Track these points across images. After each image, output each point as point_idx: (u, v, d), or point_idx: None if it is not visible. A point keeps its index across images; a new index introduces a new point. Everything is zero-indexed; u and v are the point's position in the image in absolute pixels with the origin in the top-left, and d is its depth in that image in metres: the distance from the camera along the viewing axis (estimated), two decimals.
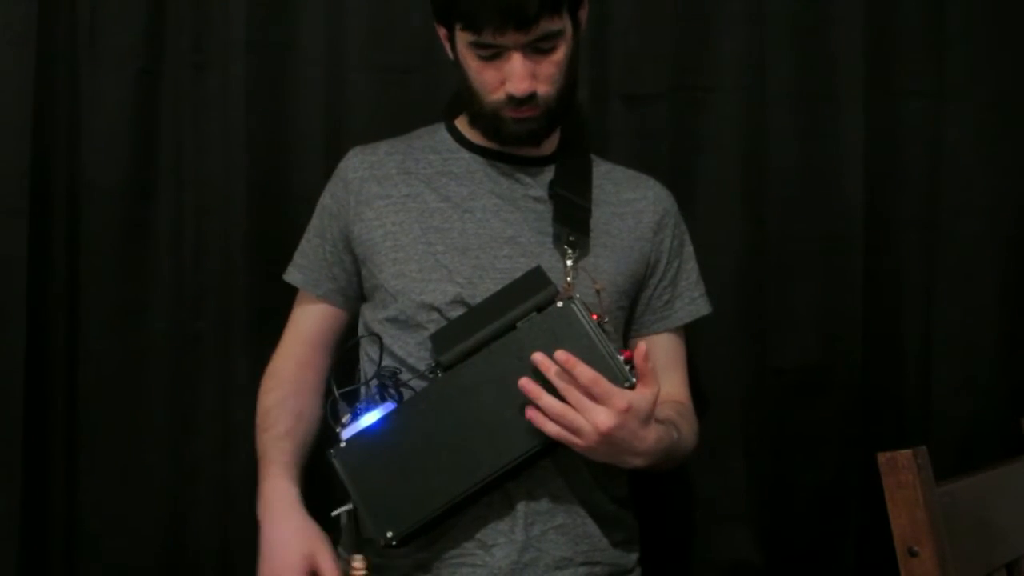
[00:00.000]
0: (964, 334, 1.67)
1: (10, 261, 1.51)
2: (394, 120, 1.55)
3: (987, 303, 1.67)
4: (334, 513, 1.27)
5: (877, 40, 1.63)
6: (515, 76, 1.25)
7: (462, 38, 1.27)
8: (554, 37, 1.26)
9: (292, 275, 1.42)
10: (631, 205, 1.40)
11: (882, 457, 1.02)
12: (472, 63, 1.28)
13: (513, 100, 1.27)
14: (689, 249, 1.44)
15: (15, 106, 1.52)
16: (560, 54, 1.28)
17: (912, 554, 0.99)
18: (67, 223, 1.56)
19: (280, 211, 1.57)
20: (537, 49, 1.25)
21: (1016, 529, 1.18)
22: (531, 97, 1.27)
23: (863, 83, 1.62)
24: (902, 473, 1.00)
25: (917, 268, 1.67)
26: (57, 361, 1.56)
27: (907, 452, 1.01)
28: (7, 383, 1.51)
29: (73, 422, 1.57)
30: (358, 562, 1.25)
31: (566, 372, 1.15)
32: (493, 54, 1.26)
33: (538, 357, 1.16)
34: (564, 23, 1.27)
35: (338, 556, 1.30)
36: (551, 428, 1.16)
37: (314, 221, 1.42)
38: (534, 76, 1.26)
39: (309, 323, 1.42)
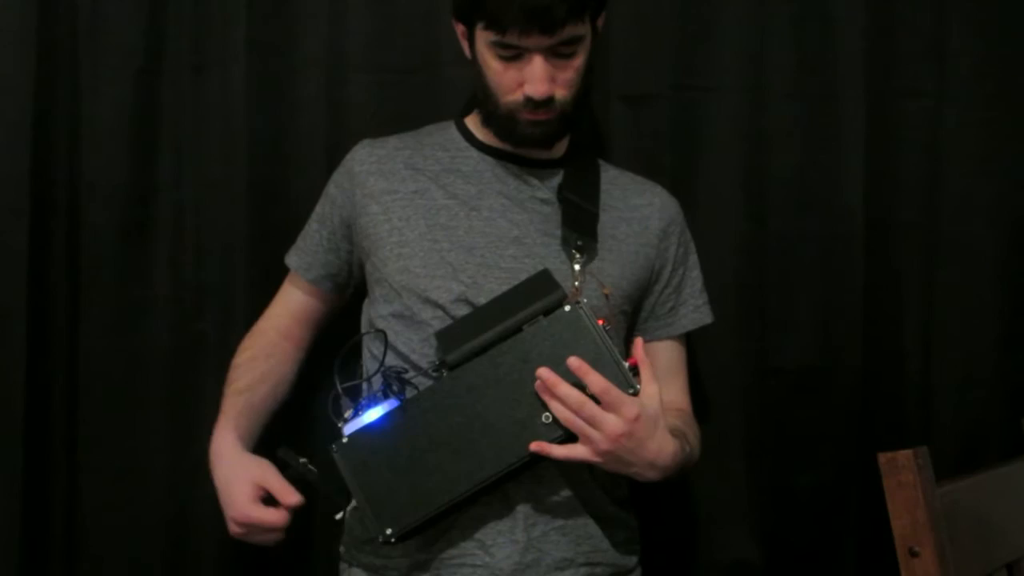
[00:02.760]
0: (964, 334, 1.66)
1: (11, 261, 1.51)
2: (394, 120, 1.54)
3: (987, 303, 1.67)
4: (337, 516, 1.28)
5: (877, 40, 1.63)
6: (535, 79, 1.25)
7: (483, 37, 1.27)
8: (576, 42, 1.26)
9: (290, 257, 1.45)
10: (637, 211, 1.40)
11: (882, 457, 1.02)
12: (491, 63, 1.28)
13: (530, 102, 1.27)
14: (694, 257, 1.44)
15: (15, 106, 1.52)
16: (580, 59, 1.28)
17: (912, 554, 0.99)
18: (67, 223, 1.56)
19: (280, 211, 1.57)
20: (558, 53, 1.26)
21: (1016, 529, 1.18)
22: (549, 100, 1.27)
23: (863, 83, 1.62)
24: (902, 473, 1.00)
25: (917, 268, 1.67)
26: (57, 361, 1.56)
27: (907, 452, 1.01)
28: (7, 383, 1.51)
29: (73, 422, 1.57)
30: None
31: (570, 378, 1.16)
32: (514, 55, 1.26)
33: (543, 372, 1.17)
34: (586, 29, 1.27)
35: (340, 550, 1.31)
36: (559, 452, 1.18)
37: (317, 207, 1.43)
38: (553, 80, 1.26)
39: (296, 302, 1.45)
